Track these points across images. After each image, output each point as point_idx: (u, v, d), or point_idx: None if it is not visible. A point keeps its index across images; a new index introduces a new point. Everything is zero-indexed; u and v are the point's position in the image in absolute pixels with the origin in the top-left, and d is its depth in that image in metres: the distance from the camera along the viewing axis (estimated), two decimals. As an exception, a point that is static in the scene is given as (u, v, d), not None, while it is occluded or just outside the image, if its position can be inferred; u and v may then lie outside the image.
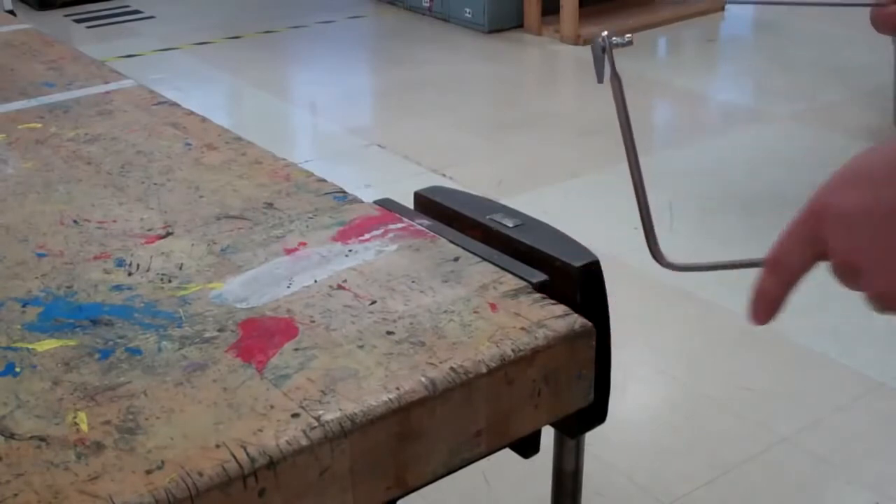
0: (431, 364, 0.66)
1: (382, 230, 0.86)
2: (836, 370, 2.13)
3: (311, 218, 0.89)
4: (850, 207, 0.53)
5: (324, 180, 0.97)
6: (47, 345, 0.70)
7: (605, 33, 0.71)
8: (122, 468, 0.57)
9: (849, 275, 0.54)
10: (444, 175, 3.24)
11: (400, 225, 0.87)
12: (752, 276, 0.58)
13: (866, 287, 0.54)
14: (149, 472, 0.57)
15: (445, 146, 3.54)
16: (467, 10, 5.02)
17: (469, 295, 0.75)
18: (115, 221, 0.90)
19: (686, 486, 1.79)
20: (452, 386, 0.65)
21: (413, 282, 0.77)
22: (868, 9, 0.70)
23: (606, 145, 3.52)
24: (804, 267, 0.56)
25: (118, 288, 0.78)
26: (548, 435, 0.81)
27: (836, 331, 2.26)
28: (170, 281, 0.79)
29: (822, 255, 0.55)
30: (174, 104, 1.21)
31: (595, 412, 0.77)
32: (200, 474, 0.56)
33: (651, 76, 4.33)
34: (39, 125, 1.14)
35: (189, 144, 1.07)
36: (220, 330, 0.71)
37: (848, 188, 0.53)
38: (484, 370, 0.67)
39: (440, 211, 0.92)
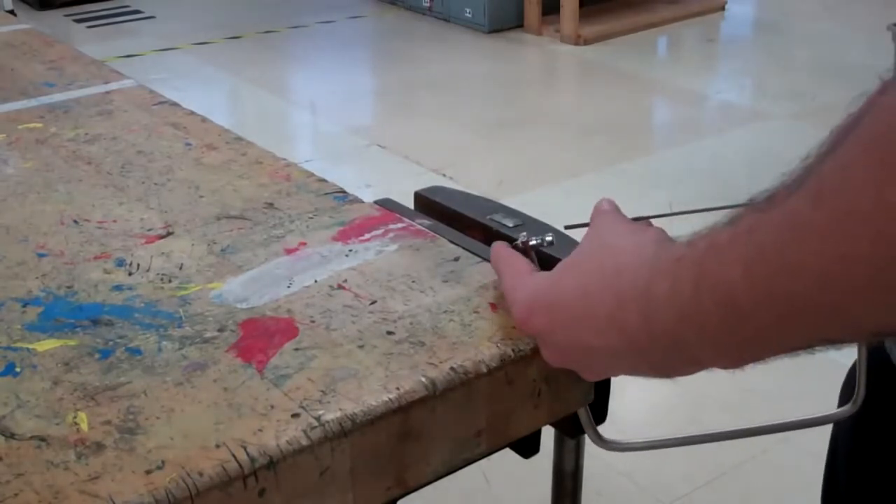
0: (431, 364, 0.66)
1: (383, 230, 0.86)
2: (836, 370, 2.13)
3: (311, 218, 0.89)
4: (539, 329, 0.64)
5: (324, 180, 0.97)
6: (47, 345, 0.70)
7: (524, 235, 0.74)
8: (122, 468, 0.57)
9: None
10: (444, 175, 3.24)
11: (400, 225, 0.87)
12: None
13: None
14: (149, 472, 0.57)
15: (445, 146, 3.54)
16: (467, 10, 5.02)
17: (469, 295, 0.75)
18: (115, 221, 0.90)
19: (686, 486, 1.79)
20: (453, 386, 0.65)
21: (413, 282, 0.77)
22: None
23: (606, 145, 3.52)
24: None
25: (118, 288, 0.78)
26: (548, 435, 0.81)
27: (836, 331, 2.25)
28: (170, 281, 0.79)
29: None
30: (174, 104, 1.21)
31: (595, 412, 0.77)
32: (200, 474, 0.56)
33: (651, 76, 4.33)
34: (39, 125, 1.14)
35: (189, 144, 1.07)
36: (220, 330, 0.71)
37: (537, 314, 0.63)
38: (484, 370, 0.67)
39: (440, 211, 0.92)
